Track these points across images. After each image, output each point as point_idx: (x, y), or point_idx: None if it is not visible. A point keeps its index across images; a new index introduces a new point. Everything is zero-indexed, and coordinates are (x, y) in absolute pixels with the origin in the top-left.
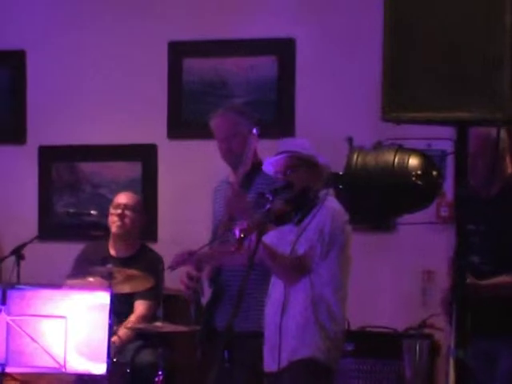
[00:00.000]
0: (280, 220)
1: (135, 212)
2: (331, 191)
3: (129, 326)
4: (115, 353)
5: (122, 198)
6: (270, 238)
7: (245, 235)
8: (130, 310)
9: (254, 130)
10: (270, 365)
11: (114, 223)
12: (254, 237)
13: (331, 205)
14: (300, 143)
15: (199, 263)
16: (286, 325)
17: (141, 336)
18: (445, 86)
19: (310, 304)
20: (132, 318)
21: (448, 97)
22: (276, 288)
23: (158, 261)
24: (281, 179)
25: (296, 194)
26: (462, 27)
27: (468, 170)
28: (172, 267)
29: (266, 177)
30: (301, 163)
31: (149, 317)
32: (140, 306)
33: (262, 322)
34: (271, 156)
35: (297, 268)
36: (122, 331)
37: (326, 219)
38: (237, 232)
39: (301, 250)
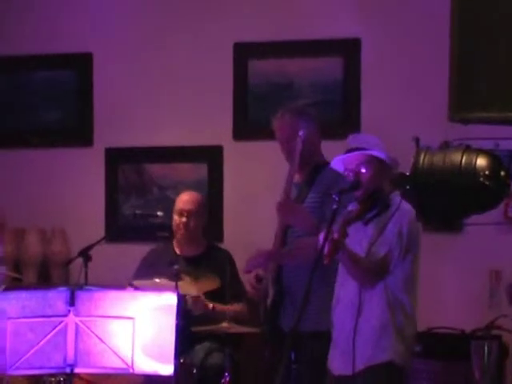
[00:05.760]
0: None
1: (199, 216)
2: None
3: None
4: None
5: (186, 204)
6: None
7: (336, 248)
8: None
9: (301, 133)
10: (341, 368)
11: (179, 230)
12: (321, 237)
13: (407, 207)
14: (370, 140)
15: (268, 263)
16: (361, 328)
17: (208, 337)
18: None
19: (385, 307)
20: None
21: None
22: (347, 290)
23: (226, 259)
24: (350, 177)
25: (369, 193)
26: None
27: None
28: (249, 270)
29: (329, 177)
30: (372, 160)
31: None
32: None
33: (324, 322)
34: (340, 154)
35: (377, 271)
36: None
37: (403, 221)
38: (326, 248)
39: (381, 252)
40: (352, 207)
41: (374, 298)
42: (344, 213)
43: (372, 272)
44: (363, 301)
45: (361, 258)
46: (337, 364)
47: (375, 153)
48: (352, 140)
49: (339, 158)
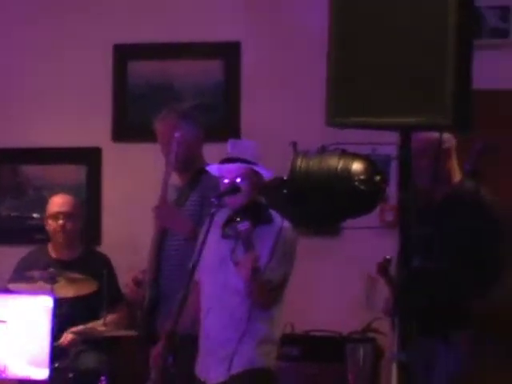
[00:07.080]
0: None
1: (76, 218)
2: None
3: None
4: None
5: (61, 206)
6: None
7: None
8: (75, 313)
9: (177, 134)
10: (218, 375)
11: (56, 233)
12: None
13: (287, 224)
14: (249, 148)
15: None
16: (244, 339)
17: (84, 340)
18: (389, 91)
19: (268, 319)
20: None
21: (391, 102)
22: (228, 302)
23: (103, 263)
24: (224, 183)
25: (247, 206)
26: (407, 31)
27: (412, 173)
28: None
29: (209, 181)
30: (250, 174)
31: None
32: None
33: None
34: (219, 158)
35: (276, 295)
36: (69, 336)
37: (290, 240)
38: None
39: (277, 277)
40: (243, 226)
41: (260, 312)
42: (241, 234)
43: (272, 297)
44: (249, 314)
45: (265, 283)
46: (213, 373)
47: (255, 167)
48: (232, 147)
49: (219, 167)
